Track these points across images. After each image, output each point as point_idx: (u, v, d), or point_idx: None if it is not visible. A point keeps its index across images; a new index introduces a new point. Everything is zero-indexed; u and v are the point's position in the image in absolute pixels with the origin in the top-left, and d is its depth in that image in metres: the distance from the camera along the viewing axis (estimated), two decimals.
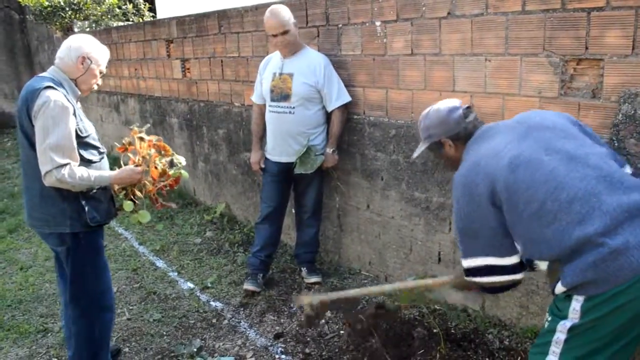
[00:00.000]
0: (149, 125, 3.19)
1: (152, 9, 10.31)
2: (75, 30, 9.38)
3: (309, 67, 3.71)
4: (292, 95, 3.71)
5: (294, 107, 3.72)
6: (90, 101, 8.40)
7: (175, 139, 6.34)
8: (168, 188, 2.88)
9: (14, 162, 9.11)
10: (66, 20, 9.32)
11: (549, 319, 1.86)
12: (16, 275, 4.53)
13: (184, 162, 2.94)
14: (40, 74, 2.73)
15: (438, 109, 2.26)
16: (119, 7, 9.49)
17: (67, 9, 9.24)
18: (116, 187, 2.73)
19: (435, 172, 3.36)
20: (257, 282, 3.99)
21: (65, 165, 2.49)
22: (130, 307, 3.89)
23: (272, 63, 3.88)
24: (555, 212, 1.76)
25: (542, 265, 1.90)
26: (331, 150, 3.82)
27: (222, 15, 5.01)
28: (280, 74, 3.77)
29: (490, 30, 2.90)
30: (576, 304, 1.73)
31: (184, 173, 2.92)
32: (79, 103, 2.84)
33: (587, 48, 2.53)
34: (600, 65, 2.51)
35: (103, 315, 2.91)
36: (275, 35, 3.63)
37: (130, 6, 9.67)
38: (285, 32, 3.61)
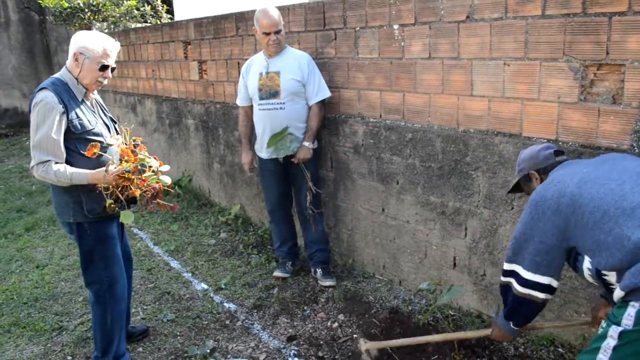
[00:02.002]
0: (133, 125, 3.16)
1: (170, 11, 10.38)
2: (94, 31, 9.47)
3: (295, 63, 3.85)
4: (280, 91, 3.84)
5: (284, 103, 3.83)
6: (107, 101, 8.46)
7: (191, 140, 6.37)
8: (152, 192, 2.77)
9: None
10: (85, 21, 9.42)
11: (604, 325, 1.86)
12: (32, 273, 4.58)
13: (155, 165, 2.79)
14: (53, 75, 2.87)
15: (532, 147, 2.42)
16: (137, 9, 9.56)
17: (86, 10, 9.33)
18: (101, 186, 2.73)
19: (452, 176, 3.34)
20: (286, 269, 4.22)
21: (46, 162, 2.66)
22: (145, 307, 3.90)
23: (256, 64, 3.99)
24: (617, 218, 1.78)
25: (612, 276, 1.87)
26: (308, 143, 3.87)
27: (239, 17, 5.03)
28: (267, 72, 3.88)
29: (510, 35, 2.87)
30: (632, 309, 1.73)
31: (163, 179, 2.80)
32: (94, 98, 2.94)
33: (608, 53, 2.50)
34: (621, 71, 2.48)
35: (115, 305, 3.01)
36: (269, 34, 3.76)
37: (148, 8, 9.75)
38: (279, 31, 3.79)
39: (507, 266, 2.18)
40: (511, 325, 2.28)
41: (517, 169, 2.44)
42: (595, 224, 1.84)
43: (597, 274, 1.91)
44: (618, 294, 1.79)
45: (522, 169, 2.39)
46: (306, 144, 3.88)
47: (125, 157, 2.72)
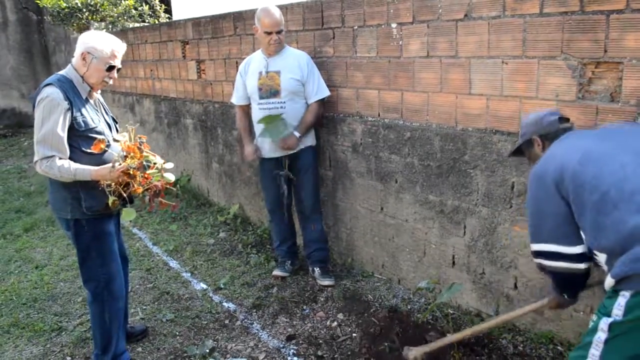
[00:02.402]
0: (138, 124, 3.18)
1: (168, 11, 10.36)
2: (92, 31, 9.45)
3: (294, 63, 3.85)
4: (281, 91, 3.84)
5: (284, 102, 3.84)
6: (105, 101, 8.42)
7: (190, 140, 6.37)
8: (155, 190, 2.81)
9: (31, 161, 9.20)
10: (83, 21, 9.40)
11: (594, 318, 1.81)
12: (31, 274, 4.57)
13: (160, 162, 2.83)
14: (58, 72, 2.90)
15: (537, 111, 2.38)
16: (135, 9, 9.55)
17: (84, 10, 9.31)
18: (104, 183, 2.76)
19: (450, 175, 3.34)
20: (285, 269, 4.22)
21: (50, 157, 2.68)
22: (144, 307, 3.90)
23: (255, 63, 3.98)
24: (616, 201, 1.74)
25: (602, 257, 1.85)
26: (298, 134, 3.86)
27: (237, 17, 5.03)
28: (267, 72, 3.87)
29: (508, 33, 2.87)
30: (622, 299, 1.69)
31: (167, 176, 2.84)
32: (97, 97, 2.99)
33: (605, 51, 2.50)
34: (619, 69, 2.48)
35: (113, 303, 3.03)
36: (271, 33, 3.75)
37: (146, 7, 9.73)
38: (280, 31, 3.79)
39: (534, 247, 2.11)
40: (565, 297, 2.22)
41: (520, 132, 2.40)
42: (594, 203, 1.80)
43: (589, 252, 1.91)
44: (609, 282, 1.75)
45: (524, 133, 2.36)
46: (295, 133, 3.85)
47: (131, 154, 2.74)
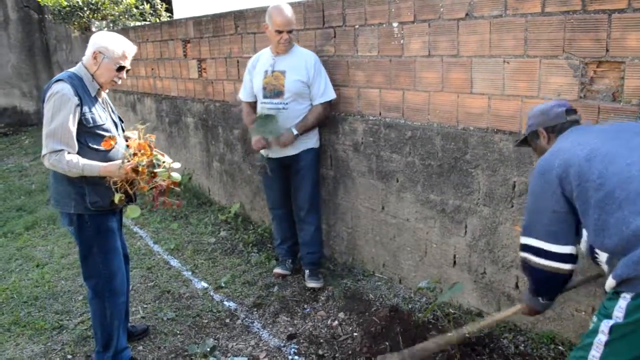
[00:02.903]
0: (149, 124, 3.19)
1: (169, 9, 10.37)
2: (93, 29, 9.47)
3: (301, 63, 3.80)
4: (284, 91, 3.79)
5: (287, 103, 3.80)
6: None
7: (191, 139, 6.37)
8: (160, 189, 2.82)
9: (32, 159, 9.22)
10: (84, 20, 9.41)
11: (595, 319, 1.80)
12: (32, 272, 4.58)
13: (168, 162, 2.85)
14: (69, 69, 2.95)
15: (545, 102, 2.35)
16: (137, 7, 9.55)
17: (86, 8, 9.32)
18: (111, 179, 2.78)
19: (451, 174, 3.34)
20: (286, 267, 4.24)
21: (59, 151, 2.71)
22: (145, 306, 3.90)
23: (262, 61, 3.95)
24: (620, 201, 1.73)
25: (602, 256, 1.84)
26: (295, 131, 3.78)
27: (238, 16, 5.02)
28: (273, 71, 3.84)
29: (509, 32, 2.87)
30: (623, 301, 1.68)
31: (174, 175, 2.85)
32: (104, 96, 3.03)
33: (607, 50, 2.50)
34: (621, 68, 2.47)
35: (114, 299, 3.03)
36: (282, 32, 3.72)
37: (147, 6, 9.73)
38: (291, 30, 3.76)
39: (523, 240, 2.10)
40: (541, 300, 2.20)
41: (527, 123, 2.38)
42: (598, 202, 1.79)
43: (590, 249, 1.89)
44: (610, 283, 1.74)
45: (531, 125, 2.33)
46: (293, 130, 3.77)
47: (142, 151, 2.77)
